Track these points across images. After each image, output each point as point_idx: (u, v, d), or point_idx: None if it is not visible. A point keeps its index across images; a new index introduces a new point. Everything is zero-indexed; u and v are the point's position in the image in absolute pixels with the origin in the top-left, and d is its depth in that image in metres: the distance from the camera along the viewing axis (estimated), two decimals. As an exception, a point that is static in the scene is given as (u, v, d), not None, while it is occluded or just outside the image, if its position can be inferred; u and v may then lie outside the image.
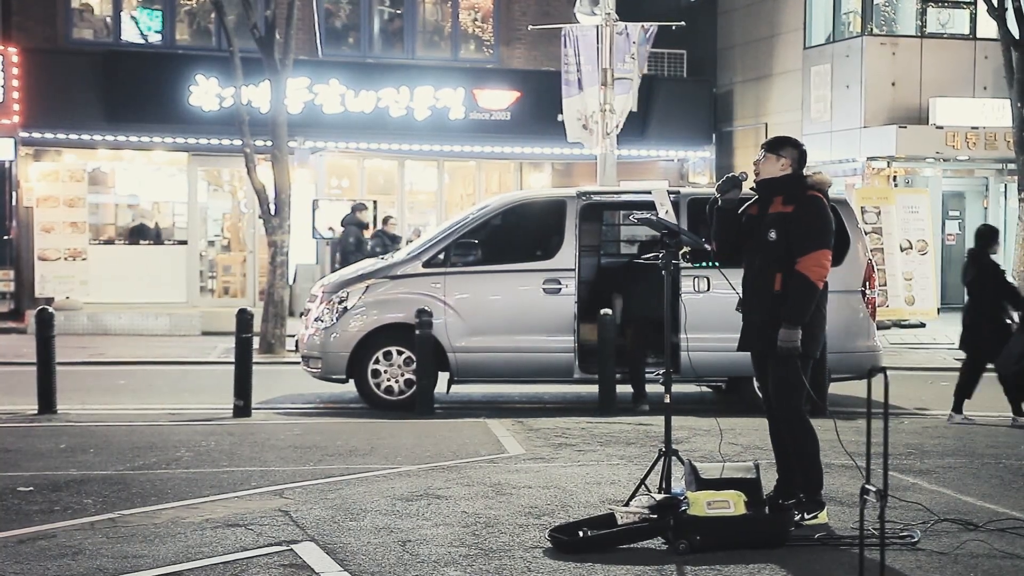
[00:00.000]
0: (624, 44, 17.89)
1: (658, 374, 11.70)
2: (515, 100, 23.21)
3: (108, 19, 23.15)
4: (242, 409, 11.04)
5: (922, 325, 20.04)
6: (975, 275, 11.48)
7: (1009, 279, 11.93)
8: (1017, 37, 19.39)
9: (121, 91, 21.50)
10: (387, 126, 22.59)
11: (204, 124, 21.66)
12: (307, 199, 21.26)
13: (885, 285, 18.88)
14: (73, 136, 21.61)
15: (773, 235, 6.82)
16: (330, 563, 5.94)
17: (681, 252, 8.40)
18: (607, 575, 5.85)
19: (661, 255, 7.31)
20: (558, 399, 13.04)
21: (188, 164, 22.62)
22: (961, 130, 22.18)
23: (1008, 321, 11.34)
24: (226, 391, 11.35)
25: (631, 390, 11.92)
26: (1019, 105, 19.33)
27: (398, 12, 24.38)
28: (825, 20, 24.68)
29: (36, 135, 21.33)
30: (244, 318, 11.27)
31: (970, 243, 24.05)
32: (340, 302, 11.76)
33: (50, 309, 11.48)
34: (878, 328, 12.49)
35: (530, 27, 21.37)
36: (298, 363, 12.67)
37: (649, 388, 11.88)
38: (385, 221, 19.05)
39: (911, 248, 19.75)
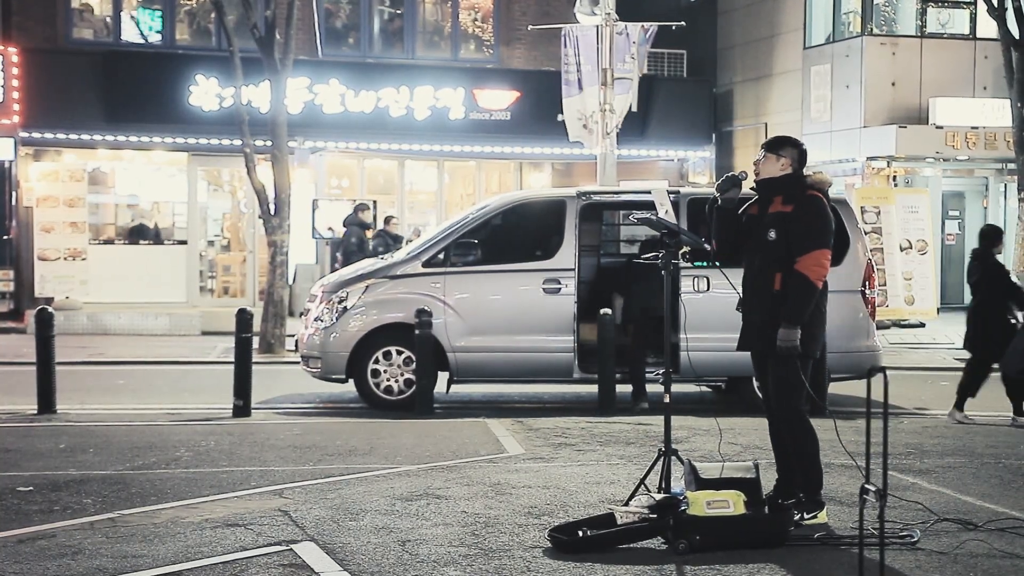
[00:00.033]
0: (624, 44, 17.90)
1: (658, 374, 11.71)
2: (515, 100, 23.21)
3: (108, 19, 23.16)
4: (242, 409, 11.04)
5: (922, 325, 20.04)
6: (980, 275, 11.50)
7: (1013, 279, 11.94)
8: (1017, 37, 19.40)
9: (121, 91, 21.50)
10: (387, 126, 22.59)
11: (204, 124, 21.67)
12: (307, 199, 21.26)
13: (885, 285, 18.88)
14: (73, 136, 21.62)
15: (773, 235, 6.82)
16: (330, 563, 5.94)
17: (681, 252, 8.41)
18: (607, 575, 5.85)
19: (661, 255, 7.30)
20: (558, 399, 13.04)
21: (188, 164, 22.62)
22: (961, 130, 22.19)
23: (1013, 321, 11.35)
24: (226, 391, 11.35)
25: (631, 389, 11.93)
26: (1019, 105, 19.33)
27: (398, 12, 24.39)
28: (825, 20, 24.68)
29: (36, 135, 21.34)
30: (244, 318, 11.27)
31: (970, 243, 24.24)
32: (340, 302, 11.76)
33: (50, 309, 11.48)
34: (878, 328, 12.50)
35: (530, 27, 21.37)
36: (298, 363, 12.66)
37: (649, 388, 11.88)
38: (387, 221, 19.07)
39: (911, 248, 19.75)
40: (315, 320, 11.91)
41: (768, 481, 6.97)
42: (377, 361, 11.67)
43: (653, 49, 22.69)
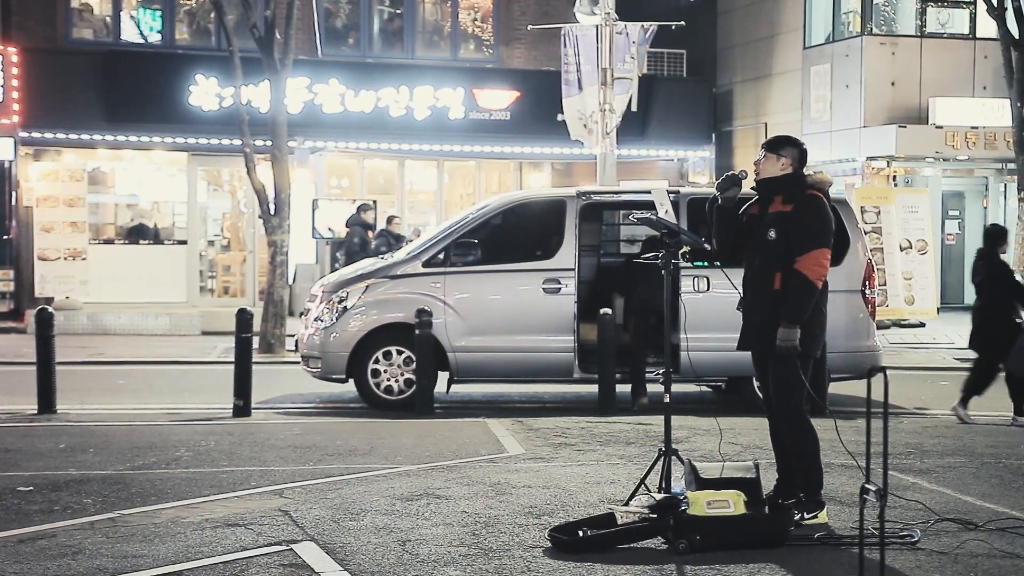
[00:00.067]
0: (624, 44, 17.90)
1: (658, 374, 11.71)
2: (515, 100, 23.21)
3: (108, 19, 23.16)
4: (242, 409, 11.04)
5: (922, 325, 20.05)
6: (985, 275, 11.50)
7: (1018, 278, 11.95)
8: (1017, 37, 19.40)
9: (121, 91, 21.51)
10: (387, 126, 22.59)
11: (204, 124, 21.67)
12: (307, 199, 21.26)
13: (885, 285, 18.88)
14: (73, 136, 21.62)
15: (773, 234, 6.82)
16: (330, 563, 5.94)
17: (681, 252, 8.40)
18: (607, 575, 5.85)
19: (661, 255, 7.30)
20: (558, 399, 13.04)
21: (188, 164, 22.63)
22: (961, 130, 22.19)
23: (1018, 320, 11.35)
24: (226, 391, 11.35)
25: (630, 388, 11.94)
26: (1019, 105, 19.34)
27: (398, 12, 24.39)
28: (825, 20, 24.68)
29: (36, 135, 21.34)
30: (244, 318, 11.27)
31: (970, 243, 24.28)
32: (340, 302, 11.76)
33: (50, 309, 11.48)
34: (878, 328, 12.49)
35: (530, 27, 21.37)
36: (298, 363, 12.66)
37: (649, 388, 11.90)
38: (389, 220, 19.07)
39: (911, 248, 19.75)
40: (315, 320, 11.91)
41: (768, 481, 6.97)
42: (377, 361, 11.67)
43: (653, 49, 22.72)
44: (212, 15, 21.67)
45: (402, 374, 11.67)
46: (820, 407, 8.41)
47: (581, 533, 6.33)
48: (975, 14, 23.12)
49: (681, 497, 6.41)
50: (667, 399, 7.32)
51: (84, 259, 20.67)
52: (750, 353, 7.11)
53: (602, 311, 11.47)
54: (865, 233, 14.67)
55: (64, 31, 22.42)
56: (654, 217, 7.55)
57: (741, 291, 7.07)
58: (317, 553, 6.10)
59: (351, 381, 11.80)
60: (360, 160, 23.62)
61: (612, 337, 11.45)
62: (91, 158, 22.27)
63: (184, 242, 22.68)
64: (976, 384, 11.50)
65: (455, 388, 12.16)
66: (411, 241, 16.51)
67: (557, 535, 6.30)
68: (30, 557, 6.01)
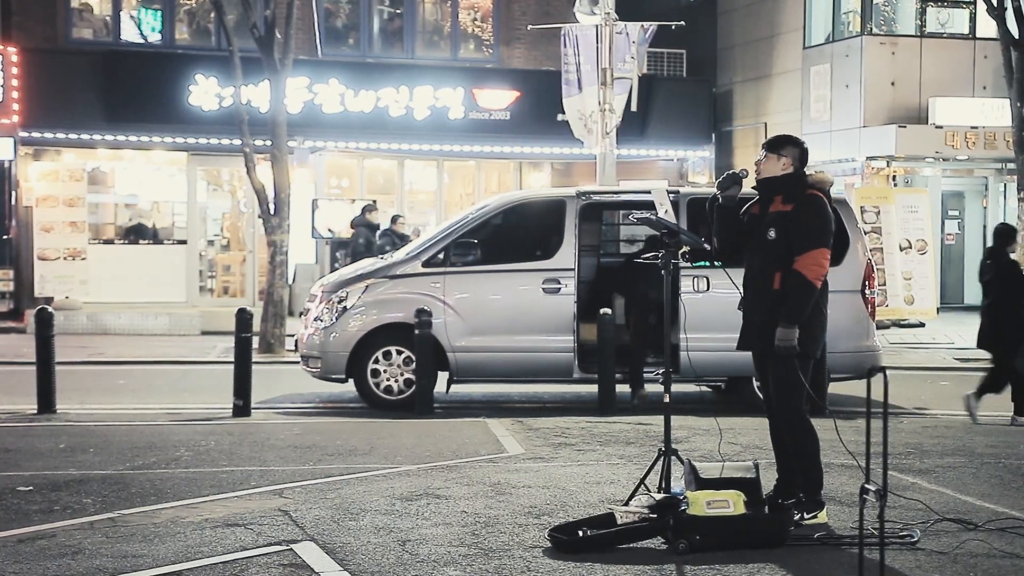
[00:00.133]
0: (624, 44, 17.90)
1: (658, 374, 11.72)
2: (515, 100, 23.21)
3: (108, 19, 23.16)
4: (241, 409, 11.04)
5: (921, 325, 20.05)
6: (994, 274, 11.50)
7: None
8: (1017, 37, 19.40)
9: (121, 91, 21.51)
10: (387, 126, 22.59)
11: (204, 124, 21.67)
12: (307, 199, 21.27)
13: (884, 285, 18.89)
14: (73, 136, 21.62)
15: (772, 234, 6.82)
16: (330, 563, 5.94)
17: (681, 252, 8.41)
18: (607, 575, 5.85)
19: (660, 255, 7.30)
20: (558, 399, 13.04)
21: (188, 164, 22.62)
22: (961, 130, 22.18)
23: None
24: (226, 391, 11.35)
25: (630, 389, 11.96)
26: (1019, 105, 19.33)
27: (398, 12, 24.39)
28: (825, 20, 24.68)
29: (36, 135, 21.34)
30: (243, 318, 11.27)
31: (970, 243, 24.30)
32: (339, 302, 11.76)
33: (49, 309, 11.48)
34: (878, 328, 12.50)
35: (530, 27, 21.37)
36: (297, 363, 12.66)
37: (649, 388, 11.91)
38: (394, 220, 19.08)
39: (910, 248, 19.76)
40: (315, 320, 11.91)
41: (768, 481, 6.97)
42: (377, 361, 11.67)
43: (653, 49, 22.73)
44: (212, 15, 21.67)
45: (402, 374, 11.67)
46: (820, 407, 8.41)
47: (581, 533, 6.33)
48: (975, 14, 23.12)
49: (681, 497, 6.41)
50: (667, 399, 7.32)
51: (84, 259, 20.68)
52: (750, 353, 7.11)
53: (602, 311, 11.48)
54: (865, 233, 14.67)
55: (64, 31, 22.42)
56: (654, 217, 7.55)
57: (741, 291, 7.07)
58: (317, 553, 6.10)
59: (351, 381, 11.80)
60: (360, 160, 23.62)
61: (612, 337, 11.45)
62: (91, 158, 22.28)
63: (184, 242, 22.68)
64: (993, 382, 11.48)
65: (455, 388, 12.16)
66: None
67: (557, 535, 6.30)
68: (30, 557, 6.01)
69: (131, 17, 23.29)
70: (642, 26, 18.17)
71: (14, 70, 20.70)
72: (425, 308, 11.22)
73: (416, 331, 11.17)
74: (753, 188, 7.16)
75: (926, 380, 15.07)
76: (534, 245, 12.06)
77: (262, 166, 17.58)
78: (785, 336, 6.68)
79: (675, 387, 7.84)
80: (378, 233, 18.87)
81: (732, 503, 6.28)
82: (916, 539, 6.41)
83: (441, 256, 11.80)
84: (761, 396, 7.40)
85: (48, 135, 21.51)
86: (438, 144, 23.05)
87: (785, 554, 6.17)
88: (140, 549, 6.17)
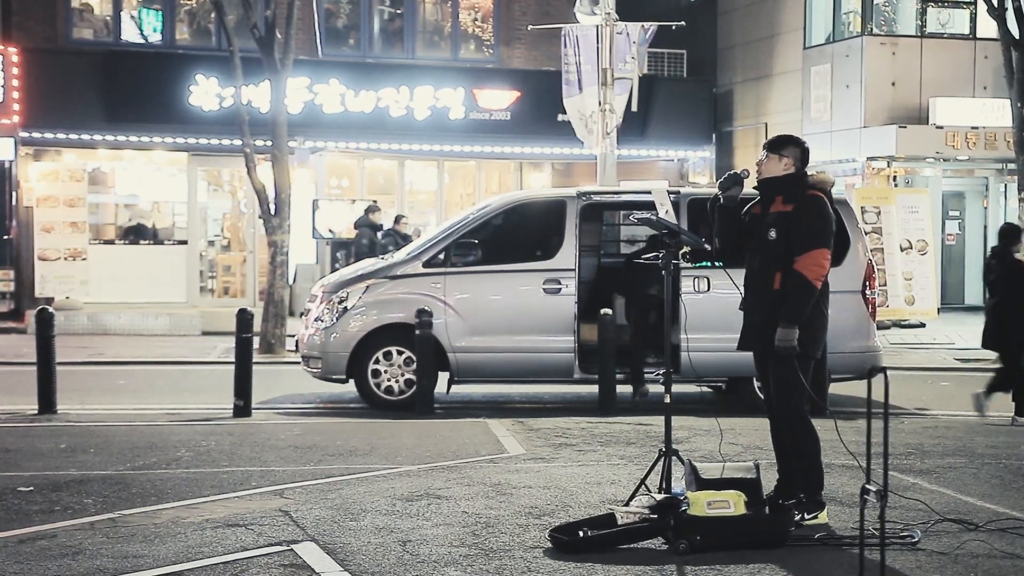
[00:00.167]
0: (624, 44, 17.90)
1: (658, 374, 11.72)
2: (515, 100, 23.21)
3: (108, 19, 23.16)
4: (242, 409, 11.04)
5: (922, 325, 20.05)
6: (999, 274, 11.50)
7: None
8: (1017, 37, 19.39)
9: (121, 91, 21.51)
10: (387, 126, 22.59)
11: (204, 124, 21.67)
12: (307, 199, 21.27)
13: (885, 285, 18.89)
14: (73, 136, 21.62)
15: (773, 234, 6.82)
16: (330, 563, 5.94)
17: (681, 252, 8.41)
18: (607, 575, 5.85)
19: (661, 255, 7.30)
20: (558, 399, 13.04)
21: (188, 164, 22.63)
22: (961, 130, 22.18)
23: None
24: (226, 391, 11.35)
25: (630, 389, 11.96)
26: (1019, 105, 19.33)
27: (398, 12, 24.39)
28: (825, 20, 24.68)
29: (36, 135, 21.34)
30: (244, 318, 11.27)
31: (971, 243, 24.29)
32: (340, 302, 11.76)
33: (50, 309, 11.48)
34: (878, 328, 12.49)
35: (530, 27, 21.37)
36: (298, 363, 12.67)
37: (650, 388, 11.91)
38: (397, 220, 19.07)
39: (911, 248, 19.75)
40: (315, 320, 11.91)
41: (769, 481, 6.97)
42: (377, 361, 11.67)
43: (653, 49, 22.74)
44: (212, 15, 21.67)
45: (402, 374, 11.67)
46: (820, 407, 8.41)
47: (581, 533, 6.33)
48: (975, 14, 23.12)
49: (681, 497, 6.42)
50: (667, 399, 7.32)
51: (84, 259, 20.68)
52: (751, 353, 7.11)
53: (602, 311, 11.48)
54: (865, 233, 14.68)
55: (64, 31, 22.42)
56: (654, 217, 7.55)
57: (742, 291, 7.07)
58: (317, 553, 6.10)
59: (351, 381, 11.80)
60: (360, 160, 23.62)
61: (612, 337, 11.45)
62: (91, 158, 22.28)
63: (184, 242, 22.68)
64: (1002, 381, 11.48)
65: (455, 388, 12.16)
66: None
67: (557, 535, 6.30)
68: (30, 557, 6.01)
69: (131, 17, 23.29)
70: (642, 26, 18.17)
71: (14, 70, 20.70)
72: (426, 308, 11.22)
73: (417, 331, 11.17)
74: (754, 188, 7.16)
75: (927, 380, 15.06)
76: (535, 245, 12.06)
77: (263, 166, 17.58)
78: (785, 336, 6.68)
79: (676, 387, 7.84)
80: (380, 233, 18.87)
81: (733, 503, 6.28)
82: (917, 539, 6.41)
83: (442, 256, 11.80)
84: (762, 396, 7.39)
85: (48, 135, 21.51)
86: (438, 144, 23.05)
87: (786, 554, 6.17)
88: (141, 549, 6.17)
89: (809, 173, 7.02)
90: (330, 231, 20.84)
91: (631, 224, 13.54)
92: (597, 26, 17.80)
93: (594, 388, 11.68)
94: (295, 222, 18.22)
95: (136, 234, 22.82)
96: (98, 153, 22.24)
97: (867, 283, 11.82)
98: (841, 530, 6.68)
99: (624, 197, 12.99)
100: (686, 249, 8.06)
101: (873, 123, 22.58)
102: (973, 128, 22.24)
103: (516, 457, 8.93)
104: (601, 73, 17.66)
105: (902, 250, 19.64)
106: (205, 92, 21.62)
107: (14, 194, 21.25)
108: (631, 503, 6.80)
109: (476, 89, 23.03)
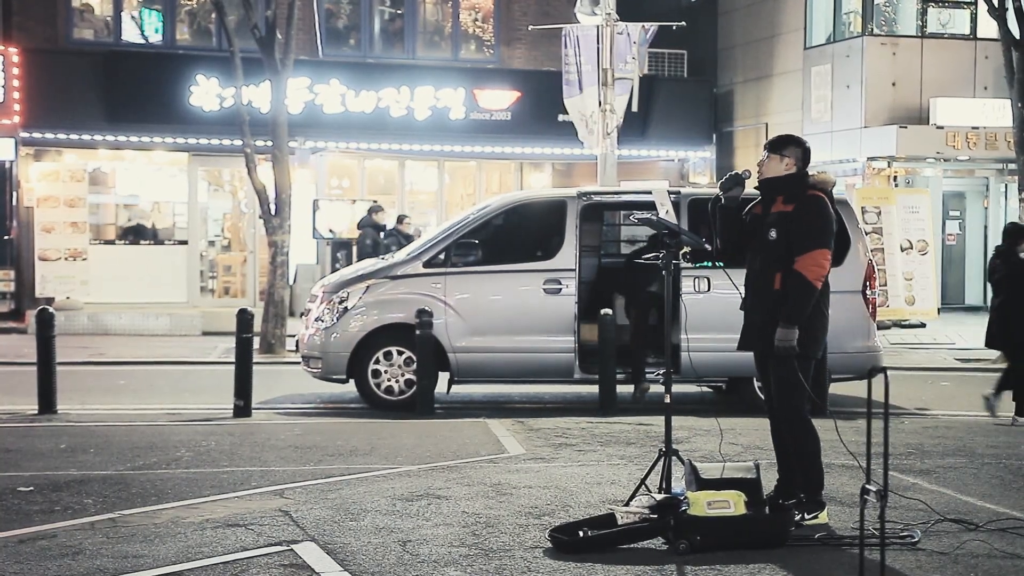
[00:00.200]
0: (624, 44, 17.89)
1: (658, 374, 11.72)
2: (515, 100, 23.21)
3: (108, 19, 23.16)
4: (242, 409, 11.04)
5: (922, 325, 20.06)
6: (1003, 273, 11.50)
7: None
8: (1017, 37, 19.38)
9: (121, 91, 21.51)
10: (387, 126, 22.59)
11: (204, 124, 21.68)
12: (307, 199, 21.26)
13: (885, 285, 18.88)
14: (73, 136, 21.63)
15: (773, 234, 6.82)
16: (330, 563, 5.94)
17: (681, 252, 8.40)
18: (607, 575, 5.85)
19: (661, 255, 7.30)
20: (558, 399, 13.04)
21: (188, 164, 22.63)
22: (961, 130, 22.18)
23: None
24: (226, 391, 11.35)
25: (630, 389, 11.96)
26: (1019, 105, 19.32)
27: (398, 12, 24.39)
28: (825, 20, 24.68)
29: (36, 135, 21.34)
30: (244, 318, 11.27)
31: (971, 243, 24.28)
32: (340, 302, 11.76)
33: (50, 309, 11.48)
34: (878, 328, 12.49)
35: (530, 27, 21.38)
36: (298, 363, 12.67)
37: (650, 390, 11.91)
38: (400, 220, 19.08)
39: (911, 248, 19.75)
40: (316, 320, 11.91)
41: (769, 481, 6.97)
42: (378, 361, 11.67)
43: (653, 49, 22.73)
44: (213, 15, 21.68)
45: (403, 374, 11.67)
46: (821, 408, 8.41)
47: (581, 533, 6.33)
48: (976, 14, 23.12)
49: (682, 497, 6.42)
50: (668, 399, 7.32)
51: (85, 259, 20.68)
52: (751, 353, 7.11)
53: (603, 311, 11.48)
54: (866, 233, 14.68)
55: (65, 31, 22.42)
56: (655, 218, 7.55)
57: (742, 291, 7.07)
58: (317, 553, 6.10)
59: (351, 381, 11.80)
60: (361, 160, 23.62)
61: (613, 337, 11.45)
62: (92, 158, 22.28)
63: (185, 242, 22.68)
64: (1010, 381, 11.47)
65: (455, 388, 12.16)
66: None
67: (558, 535, 6.30)
68: (30, 557, 6.01)
69: (132, 17, 23.29)
70: (643, 26, 18.17)
71: (15, 70, 20.70)
72: (426, 308, 11.22)
73: (417, 331, 11.17)
74: (755, 188, 7.16)
75: (927, 380, 15.06)
76: (535, 245, 12.06)
77: (263, 166, 17.59)
78: (785, 336, 6.68)
79: (676, 387, 7.84)
80: (384, 233, 18.87)
81: (733, 503, 6.28)
82: (917, 539, 6.41)
83: (442, 256, 11.80)
84: (762, 396, 7.39)
85: (49, 135, 21.52)
86: (439, 144, 23.05)
87: (786, 554, 6.17)
88: (141, 549, 6.17)
89: (810, 173, 7.02)
90: (330, 231, 20.83)
91: (631, 224, 13.54)
92: (597, 26, 17.80)
93: (594, 388, 11.69)
94: (295, 222, 18.22)
95: (136, 234, 22.83)
96: (98, 153, 22.24)
97: (867, 283, 11.82)
98: (841, 530, 6.68)
99: (624, 197, 12.99)
100: (686, 249, 8.05)
101: (873, 123, 22.58)
102: (973, 128, 22.24)
103: (516, 457, 8.93)
104: (601, 73, 17.66)
105: (902, 250, 19.64)
106: (206, 92, 21.63)
107: (14, 194, 21.26)
108: (631, 503, 6.81)
109: (476, 89, 23.03)
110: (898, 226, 19.61)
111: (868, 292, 11.82)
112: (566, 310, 11.71)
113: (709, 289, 11.64)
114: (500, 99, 23.18)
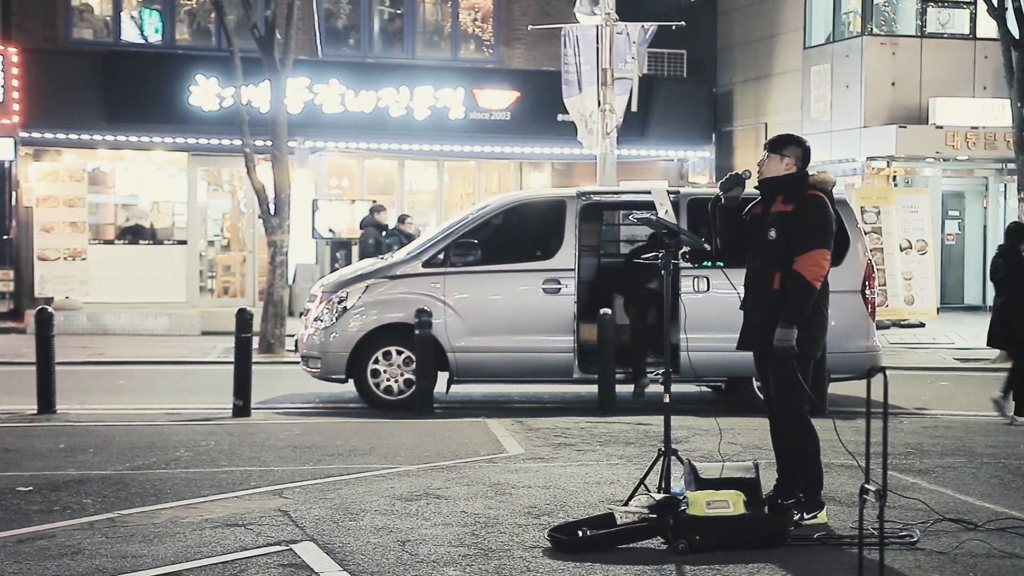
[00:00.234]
0: (624, 44, 17.90)
1: (658, 374, 11.72)
2: (515, 100, 23.21)
3: (108, 19, 23.16)
4: (241, 409, 11.04)
5: (922, 325, 20.06)
6: (1006, 273, 11.50)
7: None
8: (1017, 37, 19.38)
9: (121, 91, 21.51)
10: (387, 126, 22.59)
11: (204, 124, 21.68)
12: (307, 199, 21.26)
13: (885, 285, 18.89)
14: (73, 136, 21.63)
15: (773, 234, 6.82)
16: (329, 563, 5.94)
17: (681, 252, 8.40)
18: (606, 575, 5.85)
19: (661, 255, 7.30)
20: (558, 399, 13.04)
21: (188, 164, 22.63)
22: (961, 130, 22.18)
23: None
24: (226, 391, 11.35)
25: (630, 389, 11.96)
26: (1019, 105, 19.32)
27: (398, 12, 24.39)
28: (825, 20, 24.68)
29: (36, 135, 21.34)
30: (244, 318, 11.27)
31: (970, 243, 24.28)
32: (340, 302, 11.76)
33: (50, 309, 11.48)
34: (878, 328, 12.50)
35: (530, 27, 21.37)
36: (297, 363, 12.66)
37: (649, 388, 11.90)
38: (401, 220, 19.09)
39: (911, 248, 19.75)
40: (315, 320, 11.91)
41: (768, 481, 6.97)
42: (377, 361, 11.67)
43: (653, 49, 22.73)
44: (212, 15, 21.68)
45: (402, 374, 11.67)
46: (820, 407, 8.41)
47: (581, 533, 6.33)
48: (975, 14, 23.12)
49: (681, 497, 6.41)
50: (667, 399, 7.32)
51: (84, 259, 20.69)
52: (750, 353, 7.11)
53: (602, 311, 11.48)
54: (865, 233, 14.68)
55: (64, 31, 22.42)
56: (654, 217, 7.55)
57: (742, 291, 7.07)
58: (317, 553, 6.10)
59: (351, 381, 11.80)
60: (360, 160, 23.62)
61: (612, 337, 11.45)
62: (91, 158, 22.28)
63: (184, 242, 22.68)
64: (1015, 381, 11.48)
65: (455, 388, 12.16)
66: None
67: (557, 535, 6.30)
68: (30, 557, 6.01)
69: (131, 17, 23.29)
70: (642, 26, 18.17)
71: (14, 70, 20.70)
72: (425, 308, 11.22)
73: (416, 331, 11.17)
74: (755, 188, 7.16)
75: (926, 380, 15.06)
76: (534, 245, 12.06)
77: (262, 166, 17.59)
78: (784, 336, 6.68)
79: (675, 387, 7.84)
80: (385, 233, 18.87)
81: (732, 503, 6.28)
82: (916, 539, 6.41)
83: (441, 256, 11.80)
84: (761, 396, 7.39)
85: (48, 135, 21.52)
86: (438, 144, 23.05)
87: (785, 554, 6.17)
88: (140, 549, 6.17)
89: (810, 173, 7.02)
90: (330, 231, 20.84)
91: (631, 224, 13.54)
92: (597, 26, 17.80)
93: (593, 388, 11.69)
94: (295, 222, 18.23)
95: (136, 234, 22.83)
96: (98, 153, 22.24)
97: (867, 283, 11.82)
98: (840, 530, 6.68)
99: (624, 197, 12.99)
100: (686, 249, 8.05)
101: (873, 123, 22.57)
102: (973, 128, 22.23)
103: (515, 457, 8.93)
104: (601, 73, 17.66)
105: (902, 250, 19.64)
106: (205, 92, 21.63)
107: (14, 194, 21.25)
108: (630, 503, 6.80)
109: (476, 89, 23.03)
110: (897, 226, 19.61)
111: (867, 292, 11.82)
112: (565, 310, 11.71)
113: (708, 289, 11.64)
114: (500, 99, 23.18)
